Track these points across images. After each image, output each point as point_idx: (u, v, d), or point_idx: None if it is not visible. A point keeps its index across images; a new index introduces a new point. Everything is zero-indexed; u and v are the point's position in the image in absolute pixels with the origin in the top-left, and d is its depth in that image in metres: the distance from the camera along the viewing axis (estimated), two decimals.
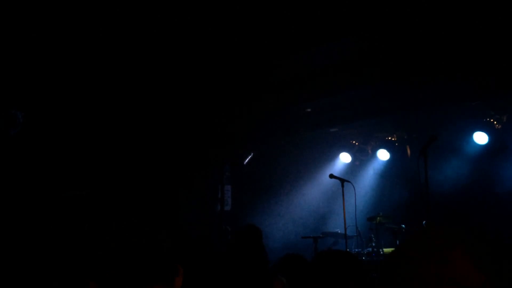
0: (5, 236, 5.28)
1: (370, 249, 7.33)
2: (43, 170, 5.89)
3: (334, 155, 9.51)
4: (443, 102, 7.31)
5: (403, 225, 7.28)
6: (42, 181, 5.86)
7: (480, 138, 7.75)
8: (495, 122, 7.58)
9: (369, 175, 9.31)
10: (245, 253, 4.28)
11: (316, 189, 9.48)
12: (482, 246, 0.85)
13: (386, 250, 7.26)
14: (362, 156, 9.31)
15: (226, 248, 7.93)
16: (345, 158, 9.41)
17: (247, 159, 9.08)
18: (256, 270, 4.18)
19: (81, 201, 5.78)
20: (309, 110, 8.16)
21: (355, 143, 9.34)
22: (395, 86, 7.04)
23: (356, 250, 7.71)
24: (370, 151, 9.20)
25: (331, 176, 6.92)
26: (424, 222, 5.77)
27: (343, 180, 6.79)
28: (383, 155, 9.06)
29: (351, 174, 8.93)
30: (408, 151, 8.63)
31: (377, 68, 6.14)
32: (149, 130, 7.01)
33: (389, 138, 9.00)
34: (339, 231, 7.89)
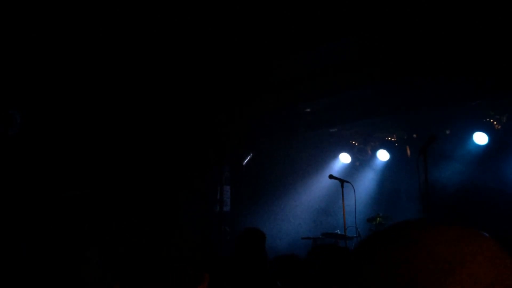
0: (5, 236, 5.26)
1: None
2: (43, 170, 5.88)
3: (333, 156, 9.50)
4: (443, 102, 7.31)
5: None
6: (42, 181, 5.84)
7: (480, 138, 7.75)
8: (495, 123, 7.58)
9: (369, 176, 9.29)
10: (247, 258, 4.27)
11: (315, 190, 9.46)
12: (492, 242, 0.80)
13: None
14: (362, 157, 9.30)
15: (226, 250, 7.93)
16: (344, 158, 9.40)
17: (246, 159, 9.07)
18: (256, 274, 4.18)
19: (81, 201, 5.77)
20: (308, 110, 8.16)
21: (354, 143, 9.33)
22: (395, 86, 7.04)
23: None
24: (370, 152, 9.19)
25: (331, 176, 6.92)
26: None
27: (343, 181, 6.78)
28: (383, 155, 9.05)
29: (351, 175, 8.92)
30: (408, 152, 8.62)
31: (377, 68, 6.14)
32: (149, 130, 7.00)
33: (389, 138, 9.00)
34: (338, 232, 7.88)
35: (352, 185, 6.74)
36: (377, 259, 0.76)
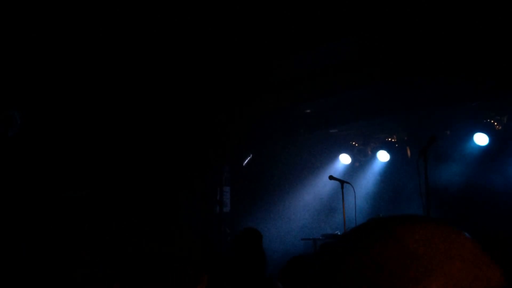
0: (5, 236, 5.26)
1: None
2: (43, 170, 5.87)
3: (333, 157, 9.49)
4: (443, 102, 7.31)
5: None
6: (42, 181, 5.84)
7: (481, 139, 7.73)
8: (495, 123, 7.57)
9: (369, 177, 9.28)
10: (245, 257, 4.27)
11: (315, 191, 9.45)
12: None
13: None
14: (362, 157, 9.28)
15: (226, 251, 7.92)
16: (344, 159, 9.38)
17: (246, 160, 9.07)
18: (254, 274, 4.17)
19: (81, 201, 5.77)
20: (308, 111, 8.15)
21: (355, 144, 9.32)
22: (395, 86, 7.04)
23: None
24: (370, 152, 9.17)
25: (331, 177, 6.89)
26: None
27: (343, 182, 6.76)
28: (383, 156, 9.03)
29: (351, 176, 8.91)
30: (408, 152, 8.60)
31: (377, 68, 6.14)
32: (149, 130, 7.00)
33: (389, 139, 8.98)
34: (339, 233, 7.87)
35: (352, 186, 6.72)
36: (356, 257, 0.74)
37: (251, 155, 8.95)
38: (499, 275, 0.71)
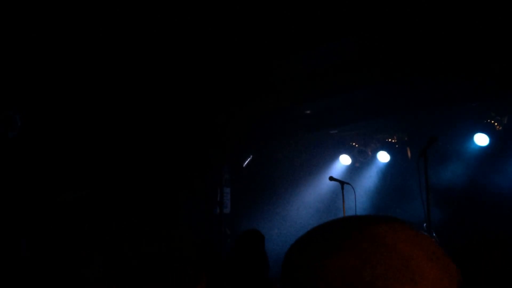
0: (5, 237, 5.25)
1: None
2: (43, 170, 5.87)
3: (333, 157, 9.48)
4: (443, 103, 7.31)
5: None
6: (42, 182, 5.83)
7: (481, 139, 7.73)
8: (495, 124, 7.56)
9: (369, 177, 9.27)
10: (246, 258, 4.26)
11: (315, 192, 9.44)
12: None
13: None
14: (362, 158, 9.27)
15: (227, 252, 7.92)
16: (345, 160, 9.38)
17: (246, 161, 9.06)
18: (256, 275, 4.17)
19: (81, 201, 5.76)
20: (308, 112, 8.15)
21: (355, 145, 9.31)
22: (395, 86, 7.04)
23: None
24: (370, 153, 9.16)
25: (331, 178, 6.88)
26: (424, 224, 5.73)
27: (343, 183, 6.75)
28: (383, 157, 9.02)
29: (351, 176, 8.90)
30: (409, 153, 8.60)
31: (377, 68, 6.14)
32: (149, 130, 7.00)
33: (389, 140, 8.97)
34: None
35: (352, 187, 6.71)
36: (337, 254, 0.74)
37: (251, 156, 8.95)
38: (459, 272, 0.74)
